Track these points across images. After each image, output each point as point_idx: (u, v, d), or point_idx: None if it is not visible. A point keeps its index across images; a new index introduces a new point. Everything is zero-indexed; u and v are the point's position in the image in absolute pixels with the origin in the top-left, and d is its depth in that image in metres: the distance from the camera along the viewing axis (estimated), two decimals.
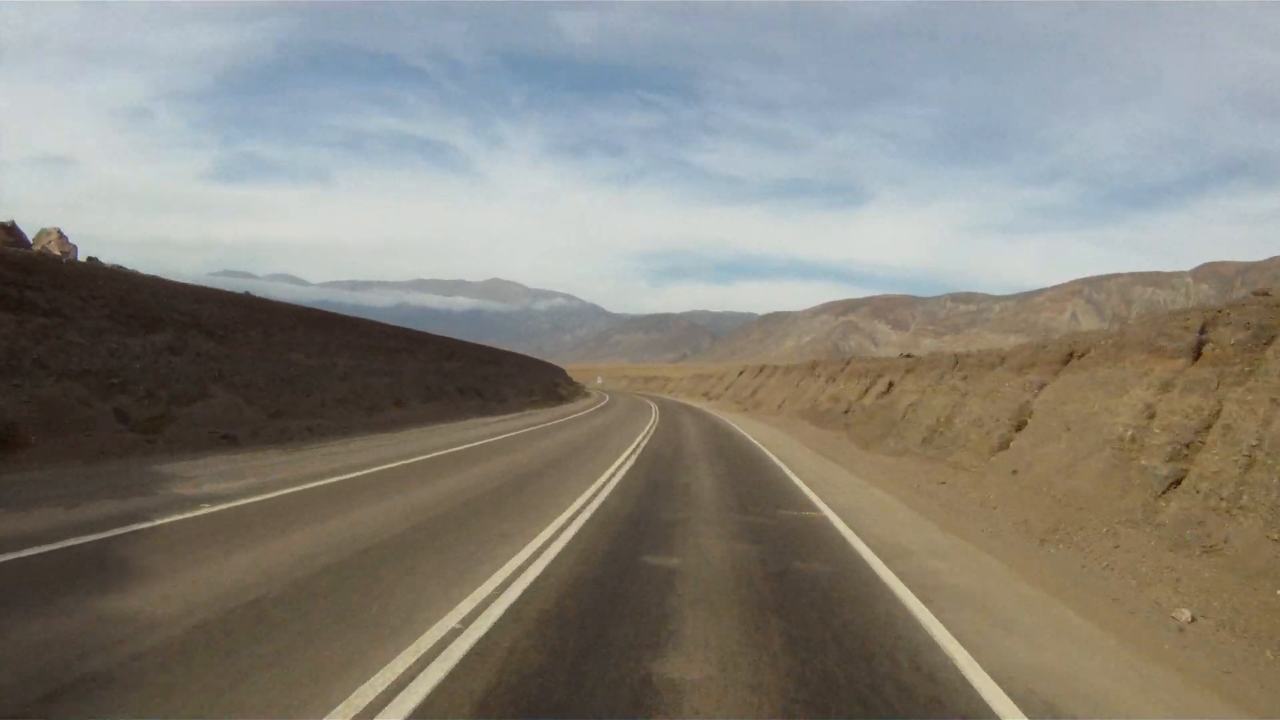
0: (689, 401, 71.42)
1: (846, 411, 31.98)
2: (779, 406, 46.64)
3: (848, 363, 43.32)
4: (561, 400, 56.99)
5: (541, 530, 9.26)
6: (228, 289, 23.38)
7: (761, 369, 68.95)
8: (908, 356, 32.43)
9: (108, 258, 20.65)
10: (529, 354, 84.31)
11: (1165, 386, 11.59)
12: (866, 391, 31.95)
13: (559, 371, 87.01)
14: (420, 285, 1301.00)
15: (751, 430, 32.09)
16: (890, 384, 29.30)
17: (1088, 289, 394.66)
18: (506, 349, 63.20)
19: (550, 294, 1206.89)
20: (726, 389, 72.94)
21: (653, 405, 54.68)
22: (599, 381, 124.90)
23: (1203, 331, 11.50)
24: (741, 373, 75.60)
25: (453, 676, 4.81)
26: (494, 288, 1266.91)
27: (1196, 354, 11.47)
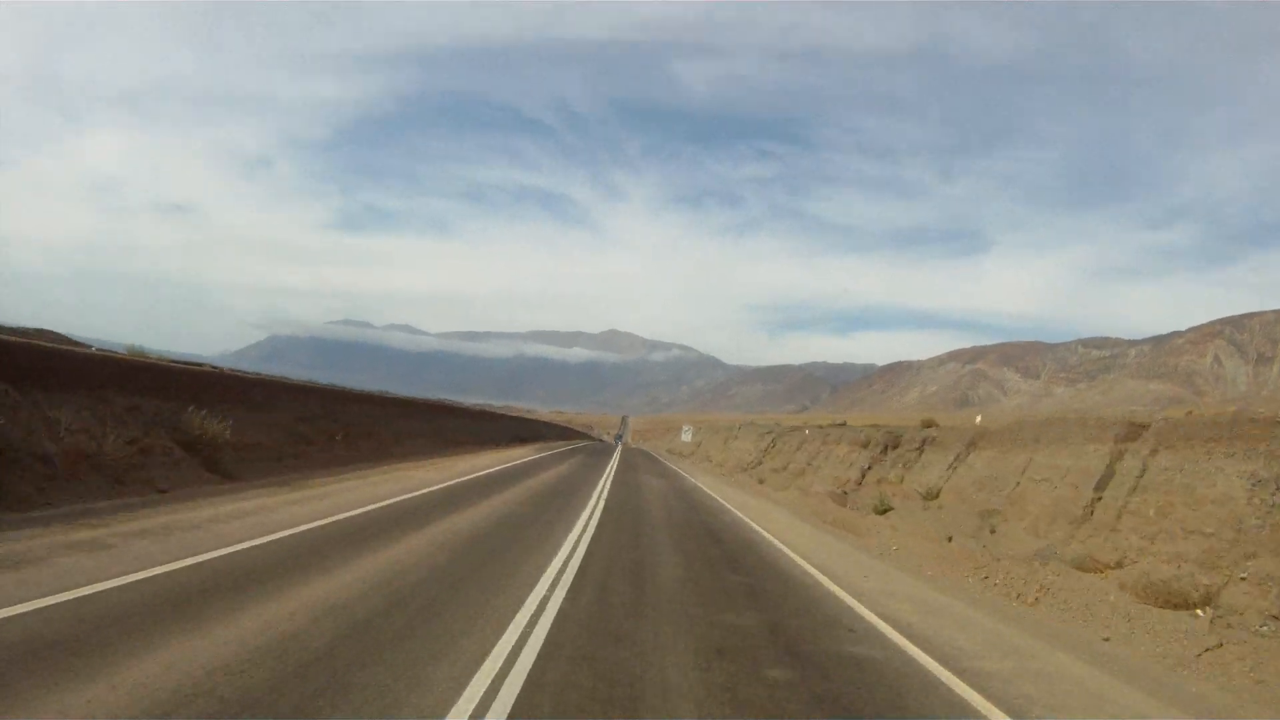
0: None
1: None
2: None
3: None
4: None
5: None
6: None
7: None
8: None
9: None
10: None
11: None
12: None
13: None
14: (537, 336, 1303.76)
15: None
16: None
17: (1229, 329, 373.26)
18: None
19: (667, 345, 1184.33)
20: None
21: None
22: (685, 437, 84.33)
23: None
24: None
25: None
26: (611, 339, 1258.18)
27: None
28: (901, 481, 23.54)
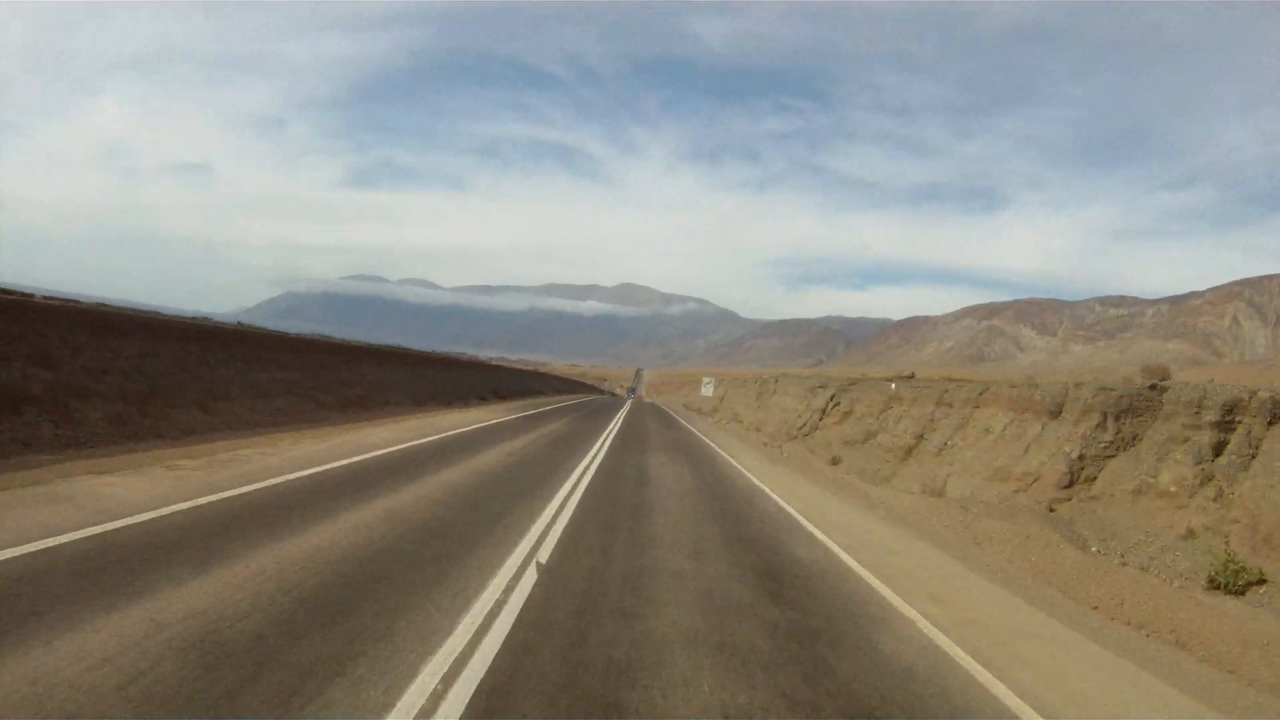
0: None
1: None
2: None
3: None
4: None
5: None
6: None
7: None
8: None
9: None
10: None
11: None
12: None
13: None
14: (552, 290, 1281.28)
15: None
16: None
17: (1248, 291, 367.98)
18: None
19: (683, 299, 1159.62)
20: None
21: None
22: (706, 391, 68.74)
23: None
24: None
25: None
26: (626, 292, 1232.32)
27: None
28: (1215, 496, 10.54)
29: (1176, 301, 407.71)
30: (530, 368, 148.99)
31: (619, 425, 29.91)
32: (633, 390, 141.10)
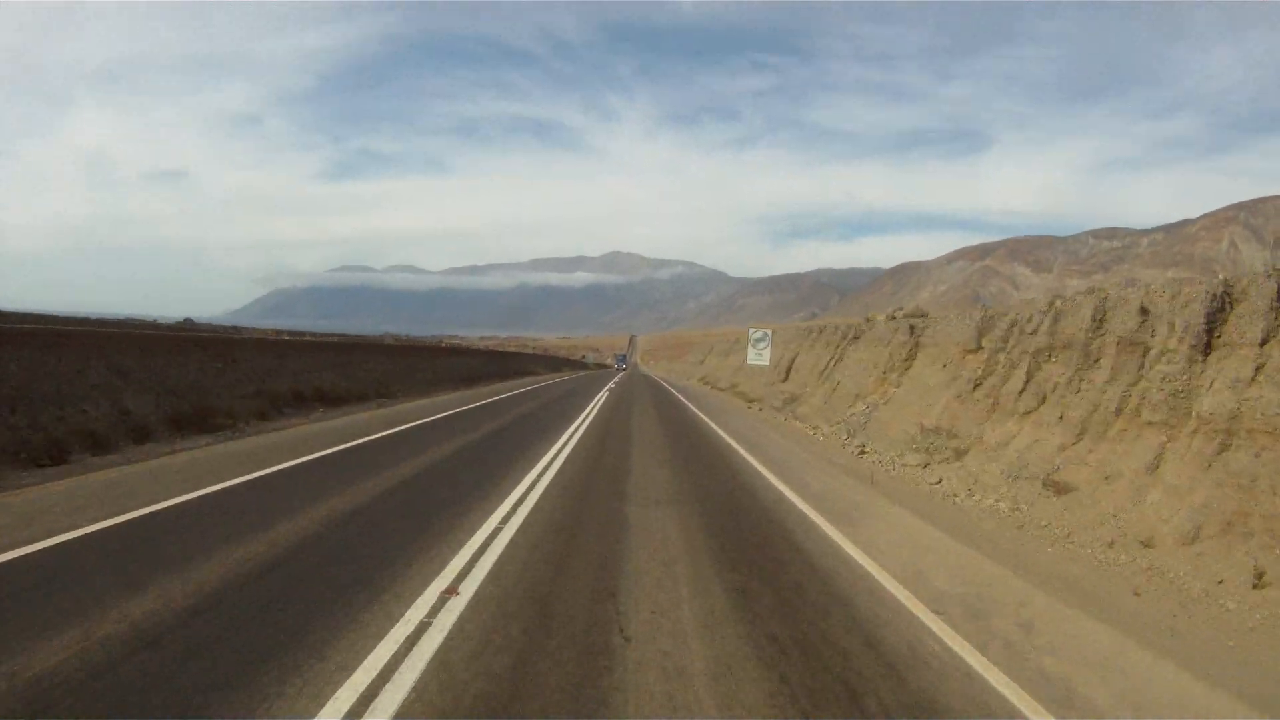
0: None
1: None
2: None
3: None
4: None
5: None
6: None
7: None
8: None
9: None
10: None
11: None
12: None
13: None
14: (539, 264, 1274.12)
15: None
16: None
17: (1244, 214, 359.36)
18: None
19: (671, 263, 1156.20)
20: None
21: None
22: (758, 358, 37.63)
23: None
24: None
25: None
26: (613, 261, 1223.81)
27: None
28: None
29: (1171, 230, 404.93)
30: (517, 346, 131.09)
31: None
32: (623, 359, 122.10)
